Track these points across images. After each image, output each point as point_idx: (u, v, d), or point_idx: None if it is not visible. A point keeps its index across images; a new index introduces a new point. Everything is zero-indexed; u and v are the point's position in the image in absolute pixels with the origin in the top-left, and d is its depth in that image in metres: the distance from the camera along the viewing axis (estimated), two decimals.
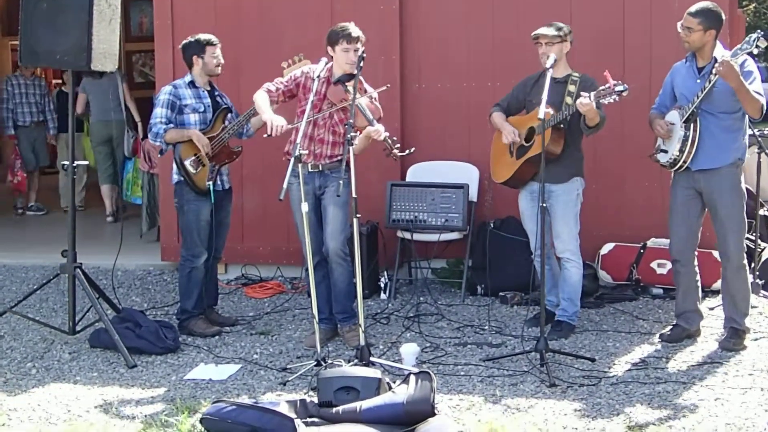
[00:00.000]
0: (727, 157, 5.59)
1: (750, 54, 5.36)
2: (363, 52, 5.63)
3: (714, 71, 5.39)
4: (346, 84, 5.76)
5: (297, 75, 5.90)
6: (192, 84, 6.19)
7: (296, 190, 5.64)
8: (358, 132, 5.72)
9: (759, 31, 5.27)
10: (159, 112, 6.09)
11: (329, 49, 5.83)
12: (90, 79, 9.82)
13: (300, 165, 5.43)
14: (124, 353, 5.59)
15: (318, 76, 5.67)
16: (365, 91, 5.83)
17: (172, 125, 6.07)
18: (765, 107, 5.51)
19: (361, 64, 5.57)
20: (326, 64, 5.80)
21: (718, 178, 5.60)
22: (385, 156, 5.80)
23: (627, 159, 7.13)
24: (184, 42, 6.27)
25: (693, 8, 5.60)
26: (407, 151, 5.84)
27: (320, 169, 5.82)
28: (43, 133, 10.90)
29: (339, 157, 5.82)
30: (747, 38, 5.27)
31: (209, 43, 6.19)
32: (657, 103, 5.94)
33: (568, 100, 5.83)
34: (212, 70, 6.23)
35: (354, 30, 5.79)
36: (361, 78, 5.68)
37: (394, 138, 5.83)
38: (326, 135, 5.86)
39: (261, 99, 5.78)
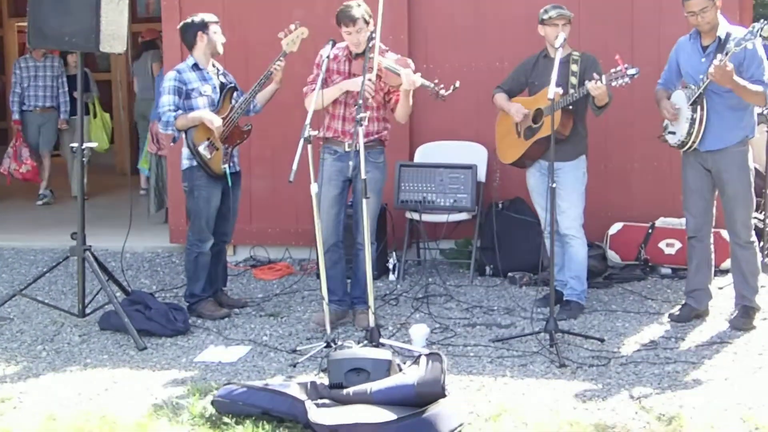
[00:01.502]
0: (735, 135, 5.58)
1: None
2: (372, 33, 5.59)
3: (707, 75, 5.35)
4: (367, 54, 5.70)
5: (318, 62, 5.82)
6: (196, 66, 6.10)
7: (327, 169, 5.63)
8: (378, 108, 5.69)
9: (763, 20, 5.23)
10: (166, 100, 5.99)
11: (340, 29, 5.82)
12: (136, 62, 10.44)
13: (337, 143, 5.44)
14: (134, 335, 5.60)
15: (328, 56, 5.65)
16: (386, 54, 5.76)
17: (180, 111, 5.98)
18: None
19: (371, 44, 5.54)
20: (333, 44, 5.77)
21: (726, 157, 5.59)
22: (433, 99, 5.76)
23: (635, 139, 7.11)
24: (183, 22, 6.18)
25: None
26: (452, 87, 5.72)
27: (357, 149, 5.75)
28: (54, 118, 10.50)
29: (377, 136, 5.77)
30: (751, 27, 5.23)
31: (212, 20, 6.12)
32: (663, 78, 5.91)
33: (573, 79, 5.85)
34: (216, 48, 6.13)
35: (355, 11, 5.73)
36: (378, 44, 5.64)
37: (436, 80, 5.77)
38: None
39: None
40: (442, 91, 5.70)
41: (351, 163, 5.37)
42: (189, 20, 6.14)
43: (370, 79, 5.58)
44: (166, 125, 6.00)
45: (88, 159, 6.09)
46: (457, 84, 5.72)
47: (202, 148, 5.96)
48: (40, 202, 10.40)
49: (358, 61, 5.78)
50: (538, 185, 6.14)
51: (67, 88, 10.47)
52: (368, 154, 5.43)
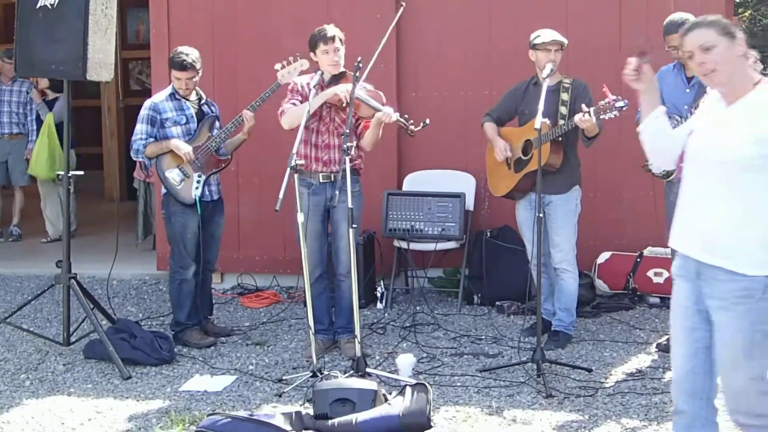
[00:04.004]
0: None
1: None
2: (360, 60, 5.60)
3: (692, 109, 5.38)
4: (340, 82, 5.72)
5: (296, 86, 5.82)
6: (173, 96, 6.12)
7: (306, 200, 5.64)
8: (362, 131, 5.72)
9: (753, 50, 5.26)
10: (139, 129, 6.05)
11: (312, 55, 5.83)
12: None
13: (310, 175, 5.46)
14: (119, 364, 5.57)
15: (314, 86, 5.66)
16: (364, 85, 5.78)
17: (152, 140, 6.03)
18: None
19: (357, 73, 5.55)
20: (321, 74, 5.79)
21: None
22: (403, 134, 5.75)
23: (623, 168, 7.12)
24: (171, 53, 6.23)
25: (670, 27, 5.53)
26: (422, 124, 5.68)
27: (332, 179, 5.70)
28: (22, 147, 9.56)
29: (351, 165, 5.77)
30: None
31: (176, 66, 6.05)
32: None
33: (563, 109, 5.79)
34: (180, 90, 6.13)
35: (330, 30, 5.77)
36: (348, 72, 5.66)
37: (406, 116, 5.76)
38: (331, 139, 5.81)
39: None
40: (412, 127, 5.70)
41: (337, 192, 5.36)
42: (171, 54, 6.18)
43: (358, 92, 5.58)
44: (136, 153, 6.07)
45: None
46: (427, 121, 5.69)
47: (170, 175, 6.00)
48: (10, 239, 9.73)
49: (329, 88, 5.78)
50: (527, 219, 6.01)
51: (35, 116, 9.60)
52: (343, 183, 5.41)
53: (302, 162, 5.55)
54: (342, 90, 5.66)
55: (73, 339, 6.03)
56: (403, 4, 6.17)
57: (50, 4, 5.75)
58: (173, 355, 5.85)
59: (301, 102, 5.71)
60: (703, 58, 3.40)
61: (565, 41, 5.88)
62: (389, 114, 5.61)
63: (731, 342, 3.36)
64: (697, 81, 5.51)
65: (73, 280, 5.93)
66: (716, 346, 3.44)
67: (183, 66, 6.03)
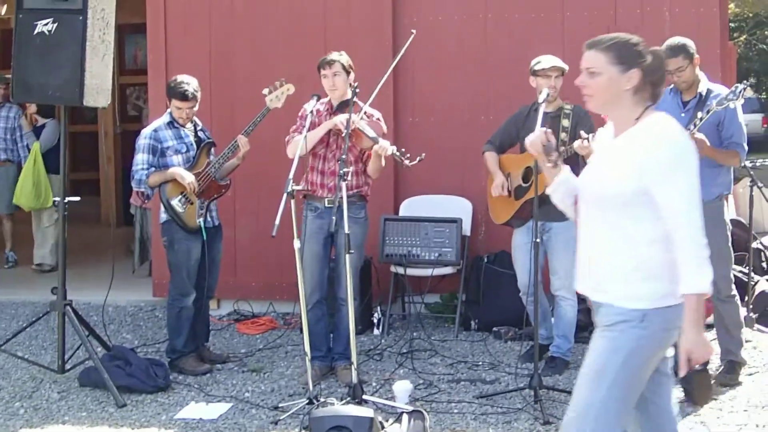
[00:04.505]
0: (710, 192, 5.57)
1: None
2: (357, 87, 5.61)
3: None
4: (345, 110, 5.74)
5: (305, 112, 5.79)
6: (171, 124, 6.12)
7: (310, 225, 5.64)
8: (356, 162, 5.74)
9: (745, 82, 5.30)
10: (140, 158, 6.02)
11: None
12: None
13: (316, 199, 5.57)
14: (114, 392, 5.53)
15: (311, 112, 5.67)
16: (364, 113, 5.80)
17: (153, 169, 6.01)
18: (745, 152, 5.54)
19: (354, 98, 5.57)
20: (318, 99, 5.81)
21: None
22: (399, 166, 5.78)
23: None
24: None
25: (667, 50, 5.55)
26: (418, 159, 5.67)
27: (337, 204, 5.69)
28: (11, 174, 9.33)
29: (357, 190, 5.77)
30: (734, 88, 5.26)
31: (177, 96, 6.05)
32: None
33: (563, 135, 5.78)
34: (180, 120, 6.13)
35: (334, 55, 5.85)
36: (357, 101, 5.68)
37: (402, 149, 5.76)
38: (337, 166, 5.80)
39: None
40: (407, 161, 5.69)
41: (334, 218, 5.35)
42: (169, 81, 6.19)
43: (358, 121, 5.60)
44: (139, 183, 6.02)
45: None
46: (423, 156, 5.68)
47: (174, 202, 5.99)
48: (6, 266, 9.56)
49: (336, 115, 5.81)
50: (524, 244, 5.90)
51: (26, 142, 9.38)
52: (348, 209, 5.39)
53: (302, 187, 5.61)
54: (341, 119, 5.68)
55: (68, 366, 5.99)
56: (414, 31, 6.17)
57: (48, 30, 5.75)
58: (169, 382, 5.82)
59: (309, 127, 5.73)
60: (586, 81, 3.32)
61: (566, 67, 5.88)
62: (385, 148, 5.64)
63: (599, 368, 3.27)
64: (693, 105, 5.53)
65: (68, 307, 5.91)
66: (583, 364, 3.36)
67: (185, 96, 6.03)
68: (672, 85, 5.70)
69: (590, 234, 3.40)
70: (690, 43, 5.53)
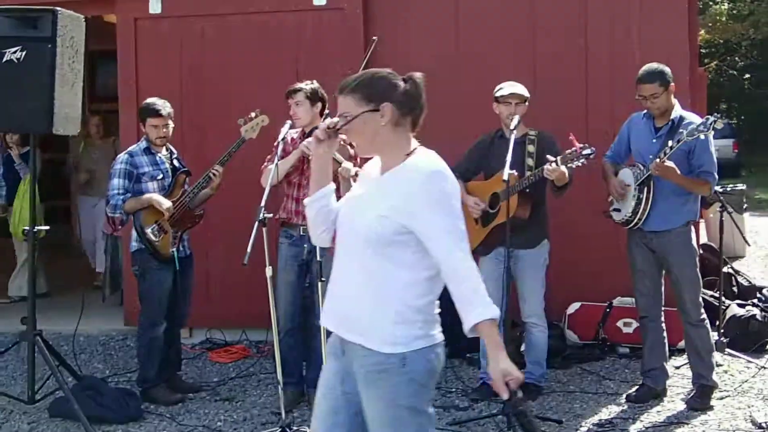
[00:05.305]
0: (678, 219, 5.65)
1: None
2: (327, 113, 5.63)
3: (651, 169, 5.43)
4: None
5: (278, 143, 5.78)
6: (148, 150, 6.09)
7: (284, 254, 5.62)
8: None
9: (716, 114, 5.35)
10: (116, 183, 5.96)
11: None
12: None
13: (291, 227, 5.60)
14: (85, 423, 5.46)
15: (282, 140, 5.67)
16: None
17: (129, 195, 5.96)
18: (716, 180, 5.59)
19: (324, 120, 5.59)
20: (291, 126, 5.81)
21: (669, 238, 5.65)
22: None
23: (592, 219, 7.11)
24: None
25: (643, 76, 5.62)
26: None
27: None
28: None
29: None
30: (705, 119, 5.31)
31: (151, 113, 6.05)
32: (612, 151, 5.97)
33: (529, 161, 5.80)
34: (152, 141, 6.10)
35: (300, 85, 5.89)
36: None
37: None
38: None
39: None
40: None
41: (306, 246, 5.35)
42: (143, 103, 6.17)
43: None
44: (114, 209, 5.95)
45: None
46: None
47: (149, 231, 5.93)
48: None
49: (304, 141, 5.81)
50: (492, 273, 5.76)
51: (2, 171, 9.22)
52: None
53: (278, 216, 5.58)
54: (307, 144, 5.68)
55: (38, 397, 5.90)
56: (375, 37, 6.19)
57: (17, 58, 5.70)
58: (140, 412, 5.77)
59: (281, 156, 5.72)
60: (344, 129, 3.20)
61: (527, 95, 5.90)
62: (348, 170, 5.64)
63: (378, 418, 3.15)
64: (665, 132, 5.58)
65: (38, 337, 5.84)
66: (368, 424, 3.21)
67: (157, 112, 6.01)
68: (646, 111, 5.75)
69: (343, 269, 3.25)
70: (667, 70, 5.60)
